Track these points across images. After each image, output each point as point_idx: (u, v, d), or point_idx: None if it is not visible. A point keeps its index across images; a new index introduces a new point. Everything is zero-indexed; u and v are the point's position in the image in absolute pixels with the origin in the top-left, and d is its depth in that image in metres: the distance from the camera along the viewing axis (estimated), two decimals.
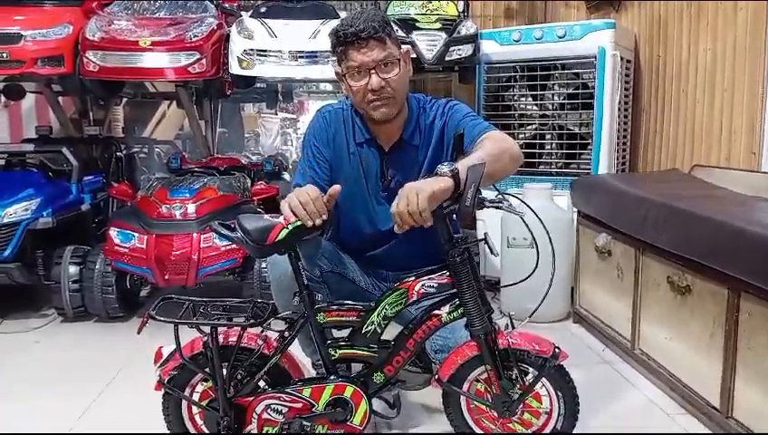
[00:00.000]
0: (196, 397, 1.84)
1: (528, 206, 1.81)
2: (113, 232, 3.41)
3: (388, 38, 1.87)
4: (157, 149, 5.83)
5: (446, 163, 1.66)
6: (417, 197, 1.56)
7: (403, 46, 1.98)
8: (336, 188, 1.75)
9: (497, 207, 1.72)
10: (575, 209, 3.36)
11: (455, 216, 1.63)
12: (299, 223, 1.67)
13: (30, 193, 3.56)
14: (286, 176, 5.16)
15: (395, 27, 2.03)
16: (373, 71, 1.85)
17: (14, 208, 3.44)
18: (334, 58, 1.99)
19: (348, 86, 1.92)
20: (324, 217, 1.69)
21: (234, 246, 3.29)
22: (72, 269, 3.42)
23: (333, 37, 1.89)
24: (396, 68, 1.89)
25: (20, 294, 3.72)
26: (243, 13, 4.63)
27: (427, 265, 1.94)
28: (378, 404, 1.87)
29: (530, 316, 1.84)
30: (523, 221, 1.78)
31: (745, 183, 2.80)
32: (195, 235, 3.35)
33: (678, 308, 2.37)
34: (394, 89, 1.89)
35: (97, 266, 3.40)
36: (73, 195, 3.92)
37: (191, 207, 3.48)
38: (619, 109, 3.69)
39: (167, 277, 3.33)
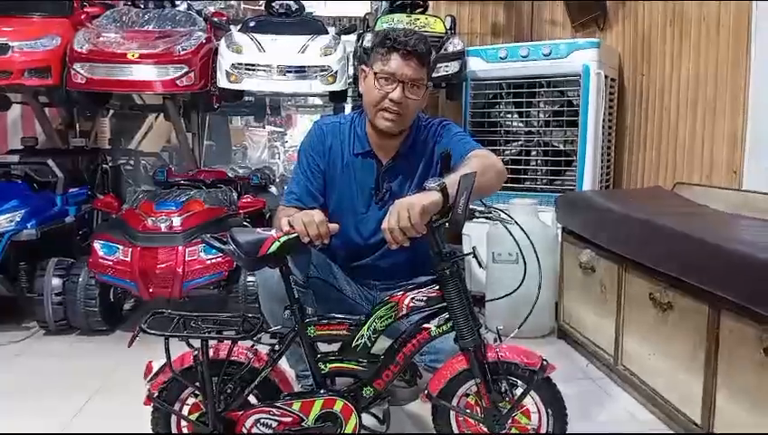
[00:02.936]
0: (185, 411, 1.84)
1: (514, 220, 1.85)
2: (98, 245, 3.38)
3: (426, 65, 1.97)
4: (143, 162, 5.80)
5: (433, 178, 1.71)
6: (408, 212, 1.59)
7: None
8: (334, 227, 1.78)
9: (487, 217, 1.76)
10: (560, 225, 3.40)
11: (447, 224, 1.65)
12: (291, 236, 1.70)
13: (14, 204, 3.52)
14: (273, 189, 5.16)
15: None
16: (402, 84, 1.92)
17: None
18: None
19: (371, 84, 1.97)
20: (326, 241, 1.74)
21: (219, 259, 3.30)
22: (56, 282, 3.38)
23: (381, 38, 1.97)
24: (420, 93, 1.97)
25: (2, 307, 3.67)
26: (232, 27, 4.64)
27: (414, 275, 2.02)
28: (367, 419, 1.87)
29: (519, 328, 1.86)
30: (509, 232, 1.82)
31: (726, 201, 2.85)
32: (180, 248, 3.33)
33: (661, 324, 2.40)
34: (409, 109, 1.97)
35: (80, 279, 3.38)
36: (58, 207, 3.88)
37: (177, 221, 3.46)
38: (603, 126, 3.76)
39: (151, 290, 3.30)
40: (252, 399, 1.82)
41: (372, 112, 2.00)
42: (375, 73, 1.95)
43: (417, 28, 4.23)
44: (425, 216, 1.61)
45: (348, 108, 5.20)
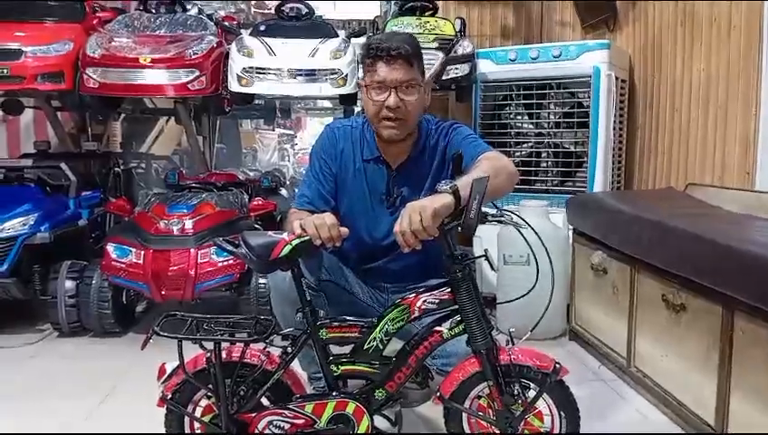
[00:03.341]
0: (198, 412, 1.85)
1: (526, 222, 1.85)
2: (110, 247, 3.41)
3: (416, 63, 1.96)
4: (154, 165, 5.84)
5: (445, 181, 1.70)
6: (420, 215, 1.59)
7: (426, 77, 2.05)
8: (345, 230, 1.78)
9: (499, 221, 1.76)
10: (571, 227, 3.39)
11: (459, 228, 1.65)
12: (303, 239, 1.71)
13: (27, 208, 3.56)
14: (283, 192, 5.18)
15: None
16: (394, 90, 1.92)
17: (12, 223, 3.45)
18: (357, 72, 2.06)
19: (366, 98, 1.99)
20: (338, 244, 1.74)
21: (231, 261, 3.32)
22: (69, 284, 3.41)
23: (365, 48, 1.98)
24: (415, 93, 1.96)
25: (16, 309, 3.71)
26: (242, 31, 4.67)
27: (426, 277, 2.02)
28: (379, 421, 1.87)
29: (531, 330, 1.86)
30: (521, 235, 1.82)
31: (739, 202, 2.84)
32: (192, 250, 3.36)
33: (673, 326, 2.39)
34: (409, 111, 1.96)
35: (93, 282, 3.41)
36: (71, 210, 3.92)
37: (189, 223, 3.49)
38: (613, 128, 3.75)
39: (163, 293, 3.33)
40: (264, 401, 1.83)
41: (375, 124, 2.01)
42: (366, 86, 1.97)
43: (426, 31, 4.24)
44: (437, 219, 1.61)
45: (357, 110, 5.21)
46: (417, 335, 1.80)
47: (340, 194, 2.11)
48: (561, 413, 1.82)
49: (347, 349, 1.85)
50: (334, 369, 1.81)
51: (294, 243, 1.70)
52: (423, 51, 4.02)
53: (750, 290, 1.91)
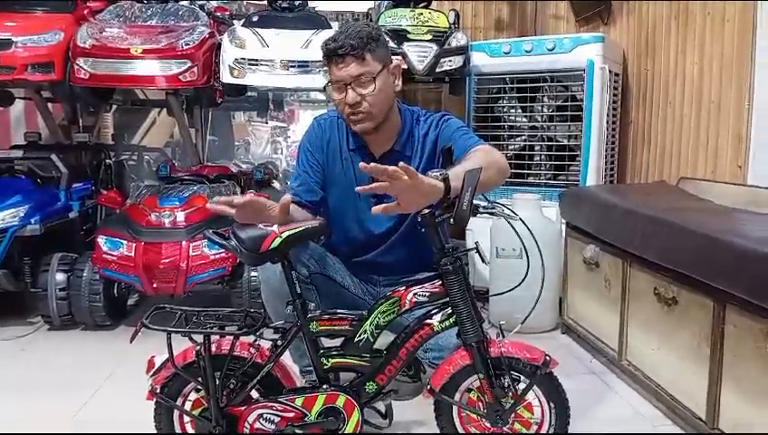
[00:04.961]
0: (188, 406, 1.84)
1: (517, 215, 1.84)
2: (101, 239, 3.39)
3: (368, 54, 1.92)
4: (146, 157, 5.80)
5: (435, 169, 1.68)
6: (408, 175, 1.53)
7: (394, 59, 2.04)
8: (287, 197, 1.80)
9: (491, 214, 1.76)
10: (563, 220, 3.39)
11: (451, 220, 1.63)
12: (294, 231, 1.70)
13: (18, 200, 3.53)
14: (276, 184, 5.16)
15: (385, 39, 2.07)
16: (349, 86, 1.92)
17: (2, 215, 3.41)
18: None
19: (333, 98, 2.01)
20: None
21: (223, 254, 3.30)
22: (60, 277, 3.39)
23: (323, 51, 1.99)
24: (371, 85, 1.94)
25: (6, 302, 3.68)
26: (235, 22, 4.63)
27: (418, 270, 2.02)
28: (370, 414, 1.87)
29: (521, 323, 1.86)
30: (513, 228, 1.82)
31: (731, 196, 2.84)
32: (184, 243, 3.34)
33: (665, 320, 2.39)
34: (370, 104, 1.95)
35: (84, 274, 3.38)
36: (62, 202, 3.89)
37: (180, 216, 3.47)
38: (607, 121, 3.74)
39: (155, 285, 3.31)
40: (254, 394, 1.83)
41: (346, 120, 2.03)
42: (329, 85, 1.99)
43: (420, 23, 4.22)
44: (419, 191, 1.56)
45: None
46: (407, 328, 1.80)
47: (328, 185, 2.11)
48: (551, 405, 1.82)
49: (339, 342, 1.85)
50: (325, 362, 1.81)
51: (285, 235, 1.70)
52: (417, 43, 4.06)
53: (742, 284, 1.91)
